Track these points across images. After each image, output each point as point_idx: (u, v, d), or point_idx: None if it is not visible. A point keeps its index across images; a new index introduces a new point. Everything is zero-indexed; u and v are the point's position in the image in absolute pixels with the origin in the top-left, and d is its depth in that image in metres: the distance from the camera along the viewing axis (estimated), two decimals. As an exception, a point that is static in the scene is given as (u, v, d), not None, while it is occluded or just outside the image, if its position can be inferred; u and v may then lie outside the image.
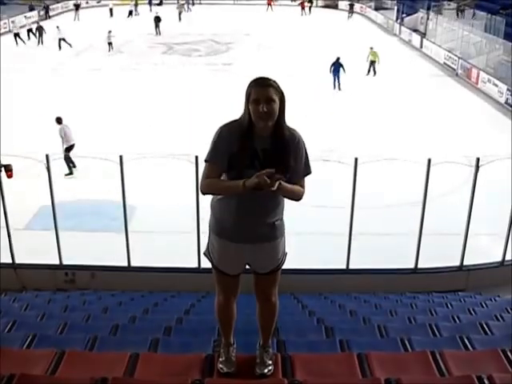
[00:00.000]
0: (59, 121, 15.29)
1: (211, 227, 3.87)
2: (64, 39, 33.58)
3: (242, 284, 4.02)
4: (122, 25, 41.79)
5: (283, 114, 3.59)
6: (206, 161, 3.69)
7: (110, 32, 33.23)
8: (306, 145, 3.72)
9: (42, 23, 38.33)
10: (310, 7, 51.63)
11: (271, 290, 4.01)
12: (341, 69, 24.92)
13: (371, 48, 28.56)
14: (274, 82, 3.57)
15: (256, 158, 3.57)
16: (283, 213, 3.85)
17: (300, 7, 51.31)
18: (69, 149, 15.06)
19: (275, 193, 3.56)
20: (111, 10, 48.16)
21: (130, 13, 47.71)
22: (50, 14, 47.45)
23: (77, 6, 47.31)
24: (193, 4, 55.27)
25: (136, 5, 49.61)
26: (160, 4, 55.79)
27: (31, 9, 45.82)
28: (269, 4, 53.28)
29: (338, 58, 25.09)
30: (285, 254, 3.96)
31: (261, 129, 3.56)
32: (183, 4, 49.25)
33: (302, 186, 3.75)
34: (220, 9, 52.62)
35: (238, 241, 3.75)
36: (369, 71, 28.20)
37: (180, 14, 46.85)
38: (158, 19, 39.92)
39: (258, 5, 54.20)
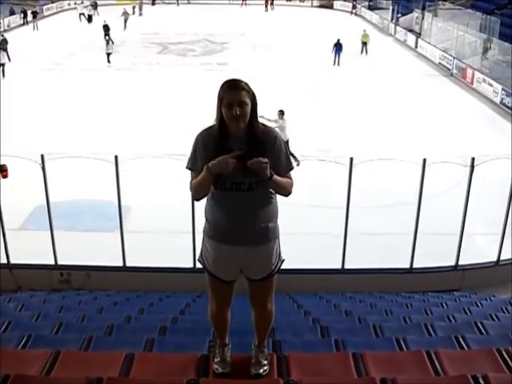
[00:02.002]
0: (282, 113, 14.87)
1: (205, 231, 3.87)
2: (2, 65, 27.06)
3: (236, 285, 3.99)
4: (114, 26, 41.86)
5: (255, 114, 3.62)
6: (186, 168, 3.76)
7: (110, 41, 30.60)
8: (283, 141, 3.74)
9: (21, 29, 37.59)
10: (271, 3, 53.41)
11: (266, 297, 3.99)
12: (340, 48, 29.95)
13: (364, 30, 34.28)
14: (246, 84, 3.59)
15: (233, 157, 3.57)
16: (277, 216, 3.85)
17: (264, 3, 53.26)
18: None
19: (268, 184, 3.61)
20: (81, 14, 44.73)
21: (90, 18, 44.20)
22: (45, 14, 47.11)
23: (34, 14, 41.98)
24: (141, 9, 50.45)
25: (95, 8, 46.57)
26: (153, 4, 55.81)
27: (11, 13, 42.38)
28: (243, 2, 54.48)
29: (339, 40, 30.13)
30: (281, 261, 3.92)
31: (234, 130, 3.59)
32: (130, 10, 43.46)
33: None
34: (215, 8, 52.65)
35: (230, 243, 3.74)
36: (362, 51, 32.94)
37: (126, 21, 40.82)
38: (106, 28, 35.08)
39: (253, 5, 54.28)
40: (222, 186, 3.64)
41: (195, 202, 9.32)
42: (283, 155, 3.71)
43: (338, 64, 29.93)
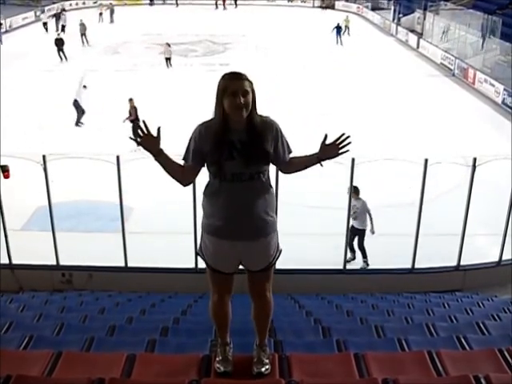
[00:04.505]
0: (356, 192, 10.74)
1: (203, 226, 3.89)
2: None
3: (237, 284, 4.01)
4: (117, 26, 41.93)
5: (255, 105, 3.67)
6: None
7: (168, 46, 29.17)
8: (281, 130, 3.79)
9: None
10: (223, 3, 53.98)
11: (265, 285, 4.00)
12: (341, 30, 36.54)
13: (347, 16, 40.70)
14: (246, 75, 3.67)
15: (234, 149, 3.64)
16: (274, 209, 3.88)
17: (222, 2, 53.79)
18: None
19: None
20: (45, 24, 39.95)
21: (44, 24, 39.61)
22: (47, 15, 46.92)
23: None
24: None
25: (58, 17, 40.45)
26: (151, 4, 55.74)
27: None
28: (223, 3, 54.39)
29: (338, 23, 36.64)
30: (279, 251, 3.95)
31: (235, 121, 3.63)
32: (85, 24, 35.76)
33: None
34: (217, 9, 52.79)
35: (228, 238, 3.76)
36: (344, 32, 37.79)
37: (83, 35, 35.12)
38: (60, 42, 30.65)
39: (254, 5, 54.29)
40: (223, 177, 3.68)
41: (196, 203, 9.35)
42: (284, 143, 3.80)
43: (341, 44, 36.00)
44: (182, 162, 3.83)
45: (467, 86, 26.30)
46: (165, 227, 11.72)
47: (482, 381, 3.73)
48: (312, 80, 26.26)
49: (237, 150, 3.63)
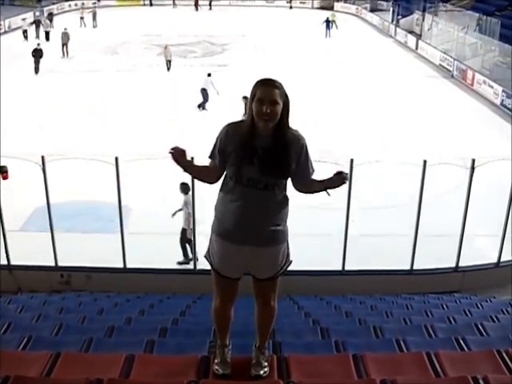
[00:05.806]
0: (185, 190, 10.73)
1: (213, 228, 3.86)
2: None
3: (240, 286, 3.99)
4: (116, 27, 41.88)
5: (287, 116, 3.62)
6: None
7: (168, 47, 29.07)
8: (307, 148, 3.75)
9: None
10: (196, 3, 53.99)
11: (270, 294, 3.99)
12: (330, 23, 39.91)
13: (333, 12, 45.48)
14: (280, 84, 3.60)
15: (255, 155, 3.60)
16: (286, 219, 3.84)
17: (194, 3, 53.91)
18: None
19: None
20: (25, 31, 37.31)
21: (25, 33, 37.21)
22: (45, 15, 46.78)
23: None
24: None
25: (38, 25, 38.51)
26: (151, 4, 55.68)
27: None
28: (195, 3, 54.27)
29: (328, 17, 40.29)
30: (288, 262, 3.92)
31: (262, 128, 3.59)
32: (67, 33, 32.71)
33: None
34: (216, 10, 52.77)
35: (238, 243, 3.73)
36: (331, 26, 40.56)
37: (64, 45, 32.27)
38: (38, 53, 28.01)
39: (254, 6, 54.35)
40: (239, 178, 3.65)
41: (195, 204, 9.37)
42: (308, 160, 3.75)
43: (329, 36, 39.44)
44: (208, 161, 3.81)
45: (466, 88, 26.32)
46: (164, 228, 11.70)
47: (481, 382, 3.73)
48: (310, 80, 26.28)
49: (257, 156, 3.59)
